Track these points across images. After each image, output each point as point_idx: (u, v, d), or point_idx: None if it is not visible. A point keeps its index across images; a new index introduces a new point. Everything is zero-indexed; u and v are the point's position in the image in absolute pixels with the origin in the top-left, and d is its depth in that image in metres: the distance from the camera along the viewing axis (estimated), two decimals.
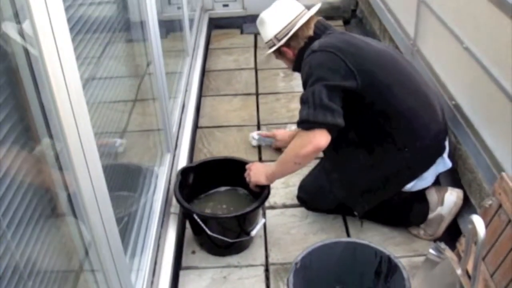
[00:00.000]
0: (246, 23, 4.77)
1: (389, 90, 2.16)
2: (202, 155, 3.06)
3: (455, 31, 2.38)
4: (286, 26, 2.30)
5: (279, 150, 2.97)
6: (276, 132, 3.07)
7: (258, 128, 3.31)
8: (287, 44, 2.34)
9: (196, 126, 3.34)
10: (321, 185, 2.45)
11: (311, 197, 2.55)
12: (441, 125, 2.27)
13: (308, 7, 2.36)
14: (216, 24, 4.82)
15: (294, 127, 3.17)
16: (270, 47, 2.39)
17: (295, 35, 2.30)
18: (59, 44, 1.10)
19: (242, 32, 4.75)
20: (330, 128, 2.06)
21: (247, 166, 2.41)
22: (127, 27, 2.35)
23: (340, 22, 4.80)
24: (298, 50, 2.34)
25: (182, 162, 2.70)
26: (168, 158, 2.55)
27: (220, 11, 4.85)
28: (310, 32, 2.30)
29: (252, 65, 4.11)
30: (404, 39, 3.13)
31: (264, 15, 2.37)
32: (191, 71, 3.67)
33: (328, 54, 2.14)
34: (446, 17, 2.50)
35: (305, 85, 2.17)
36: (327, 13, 4.74)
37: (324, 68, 2.12)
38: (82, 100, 1.23)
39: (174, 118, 2.88)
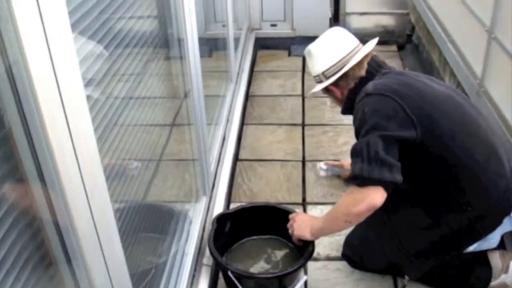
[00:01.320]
0: (294, 44, 4.55)
1: (453, 140, 1.90)
2: (242, 192, 2.84)
3: None
4: (336, 64, 2.07)
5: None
6: (344, 161, 2.88)
7: (303, 164, 3.07)
8: (335, 83, 2.10)
9: (236, 158, 3.12)
10: (370, 243, 2.20)
11: (358, 256, 2.31)
12: (509, 180, 1.99)
13: (362, 39, 2.11)
14: (263, 44, 4.62)
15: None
16: (317, 82, 2.17)
17: (345, 74, 2.07)
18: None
19: (289, 54, 4.53)
20: (386, 185, 1.81)
21: (290, 216, 2.18)
22: (163, 44, 2.12)
23: (394, 48, 4.54)
24: (348, 91, 2.11)
25: (220, 203, 2.48)
26: (204, 201, 2.33)
27: (267, 31, 4.64)
28: (362, 73, 2.06)
29: (299, 92, 3.88)
30: (469, 76, 2.84)
31: (312, 48, 2.14)
32: (234, 96, 3.47)
33: (384, 99, 1.89)
34: None
35: (357, 133, 1.93)
36: (380, 37, 4.47)
37: (380, 115, 1.86)
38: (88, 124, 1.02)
39: (213, 153, 2.66)
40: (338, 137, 3.32)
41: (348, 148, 2.83)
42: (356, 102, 2.00)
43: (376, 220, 2.05)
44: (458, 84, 3.05)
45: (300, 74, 4.15)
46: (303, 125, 3.48)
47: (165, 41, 2.13)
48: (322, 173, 2.94)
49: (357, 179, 1.84)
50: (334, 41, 2.11)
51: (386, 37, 4.56)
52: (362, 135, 1.87)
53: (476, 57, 2.75)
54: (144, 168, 1.86)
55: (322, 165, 2.95)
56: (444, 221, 1.98)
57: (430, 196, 1.99)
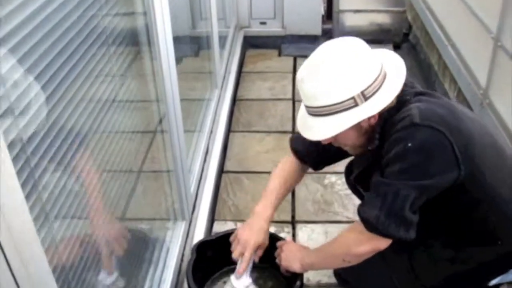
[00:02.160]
0: (285, 43, 4.34)
1: (491, 184, 1.69)
2: (226, 209, 2.64)
3: None
4: (376, 79, 1.60)
5: None
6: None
7: None
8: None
9: (221, 170, 2.91)
10: (377, 270, 1.94)
11: (355, 277, 2.08)
12: None
13: None
14: (252, 43, 4.40)
15: None
16: (334, 113, 1.57)
17: None
18: None
19: (280, 54, 4.31)
20: (397, 240, 1.62)
21: (278, 244, 1.98)
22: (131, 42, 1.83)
23: (390, 47, 4.31)
24: (368, 127, 1.67)
25: (201, 225, 2.28)
26: (182, 226, 2.12)
27: (256, 29, 4.41)
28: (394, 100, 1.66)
29: (290, 95, 3.67)
30: (471, 85, 2.64)
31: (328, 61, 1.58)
32: (220, 100, 3.25)
33: (433, 134, 1.57)
34: None
35: (388, 163, 1.61)
36: (376, 36, 4.31)
37: (424, 154, 1.57)
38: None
39: (194, 169, 2.45)
40: None
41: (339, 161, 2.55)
42: (397, 128, 1.61)
43: (388, 249, 1.81)
44: (459, 92, 2.85)
45: (290, 76, 3.93)
46: (293, 132, 3.27)
47: (133, 39, 1.84)
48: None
49: (368, 225, 1.62)
50: (358, 54, 1.61)
51: (381, 36, 4.38)
52: (394, 172, 1.59)
53: (480, 65, 2.55)
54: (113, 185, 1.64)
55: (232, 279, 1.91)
56: (469, 255, 1.80)
57: (458, 230, 1.78)
